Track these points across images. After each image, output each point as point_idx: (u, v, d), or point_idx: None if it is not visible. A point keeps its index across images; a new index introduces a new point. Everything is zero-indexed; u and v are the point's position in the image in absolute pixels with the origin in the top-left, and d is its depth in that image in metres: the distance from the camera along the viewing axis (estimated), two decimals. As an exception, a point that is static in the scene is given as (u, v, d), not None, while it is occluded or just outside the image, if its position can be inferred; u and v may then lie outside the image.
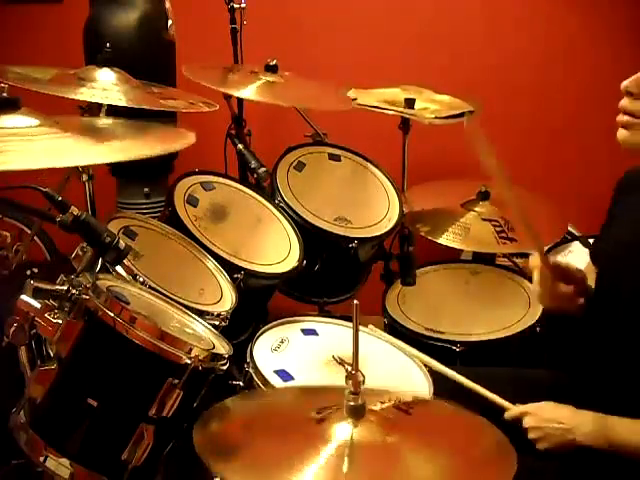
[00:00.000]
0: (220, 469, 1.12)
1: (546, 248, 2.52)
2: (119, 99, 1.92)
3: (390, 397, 1.30)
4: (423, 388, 1.77)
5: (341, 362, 1.18)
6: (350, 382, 1.18)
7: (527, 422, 1.53)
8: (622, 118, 1.48)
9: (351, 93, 2.60)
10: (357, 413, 1.18)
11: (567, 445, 1.48)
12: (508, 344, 2.20)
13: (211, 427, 1.25)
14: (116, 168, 2.71)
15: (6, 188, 1.62)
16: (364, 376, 1.18)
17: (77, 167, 2.05)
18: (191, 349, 1.39)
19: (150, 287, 1.69)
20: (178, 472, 1.51)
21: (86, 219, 1.35)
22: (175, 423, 1.40)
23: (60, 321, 1.37)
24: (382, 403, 1.28)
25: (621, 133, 1.49)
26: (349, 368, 1.17)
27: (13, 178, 1.50)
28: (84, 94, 1.90)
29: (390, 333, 2.16)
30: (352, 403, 1.18)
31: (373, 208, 2.39)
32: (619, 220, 1.65)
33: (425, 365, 1.87)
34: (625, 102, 1.47)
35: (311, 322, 2.04)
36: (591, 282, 1.73)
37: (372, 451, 1.16)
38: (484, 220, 2.44)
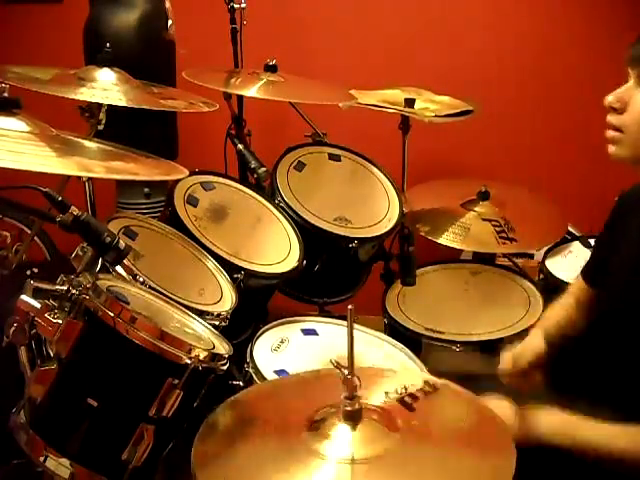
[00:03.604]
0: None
1: (546, 248, 2.53)
2: (119, 99, 1.93)
3: (397, 387, 1.29)
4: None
5: (338, 366, 1.17)
6: (346, 387, 1.17)
7: None
8: (609, 134, 1.49)
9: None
10: (354, 418, 1.17)
11: (523, 437, 1.41)
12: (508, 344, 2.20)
13: (207, 440, 1.23)
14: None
15: (6, 188, 1.62)
16: (360, 380, 1.18)
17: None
18: (191, 349, 1.39)
19: (150, 287, 1.69)
20: (178, 472, 1.51)
21: (86, 219, 1.35)
22: (175, 423, 1.40)
23: (60, 321, 1.37)
24: (387, 395, 1.27)
25: (610, 148, 1.50)
26: (345, 372, 1.17)
27: (13, 178, 1.50)
28: (84, 94, 1.90)
29: (390, 333, 2.17)
30: (348, 408, 1.17)
31: (373, 208, 2.39)
32: (624, 242, 1.62)
33: (425, 365, 1.87)
34: (610, 118, 1.48)
35: (311, 322, 2.04)
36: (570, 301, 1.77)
37: (372, 457, 1.14)
38: (484, 220, 2.44)
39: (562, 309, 1.79)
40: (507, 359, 1.72)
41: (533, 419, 1.45)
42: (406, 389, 1.29)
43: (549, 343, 1.71)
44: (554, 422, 1.44)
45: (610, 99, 1.47)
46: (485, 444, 1.19)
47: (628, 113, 1.45)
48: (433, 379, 1.34)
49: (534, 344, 1.73)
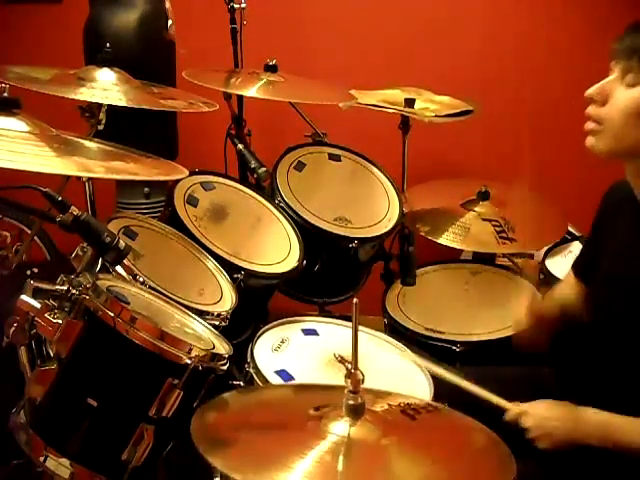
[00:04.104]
0: (214, 460, 1.11)
1: (546, 248, 2.53)
2: (119, 99, 1.93)
3: (401, 401, 1.30)
4: (424, 389, 1.77)
5: (341, 360, 1.18)
6: (349, 381, 1.17)
7: (525, 421, 1.51)
8: (588, 125, 1.51)
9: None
10: (356, 412, 1.18)
11: (568, 443, 1.46)
12: (508, 344, 2.20)
13: (208, 419, 1.24)
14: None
15: (6, 188, 1.62)
16: (363, 375, 1.18)
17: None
18: (191, 349, 1.39)
19: (150, 287, 1.69)
20: (178, 472, 1.51)
21: (86, 219, 1.35)
22: (175, 423, 1.40)
23: (60, 321, 1.37)
24: (390, 406, 1.27)
25: (589, 140, 1.52)
26: (349, 366, 1.17)
27: (13, 178, 1.50)
28: (84, 94, 1.90)
29: (390, 333, 2.16)
30: (351, 402, 1.18)
31: (373, 208, 2.39)
32: (609, 243, 1.64)
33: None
34: (590, 109, 1.50)
35: (312, 322, 2.04)
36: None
37: (367, 451, 1.15)
38: (484, 220, 2.44)
39: (565, 290, 1.83)
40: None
41: (574, 424, 1.47)
42: (409, 405, 1.30)
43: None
44: (592, 425, 1.46)
45: (591, 91, 1.50)
46: (485, 463, 1.19)
47: (609, 105, 1.47)
48: (436, 404, 1.36)
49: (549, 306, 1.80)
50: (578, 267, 1.81)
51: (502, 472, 1.14)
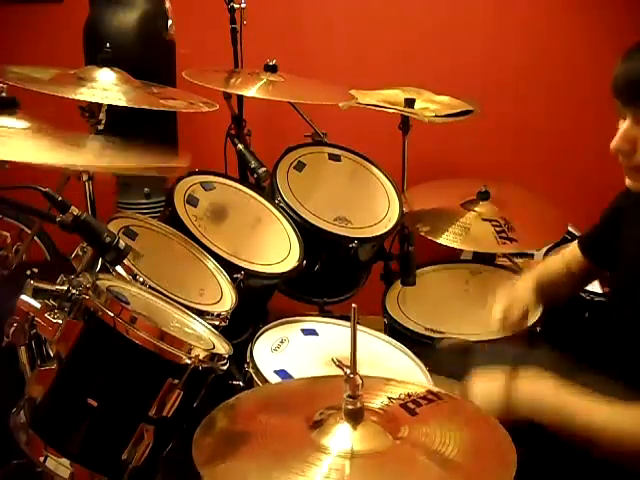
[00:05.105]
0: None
1: (546, 248, 2.53)
2: (119, 99, 1.92)
3: (401, 394, 1.29)
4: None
5: (340, 365, 1.17)
6: (348, 386, 1.17)
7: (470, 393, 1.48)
8: (629, 178, 1.48)
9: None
10: (356, 417, 1.17)
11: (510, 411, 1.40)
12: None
13: (209, 435, 1.22)
14: (116, 168, 2.72)
15: (6, 188, 1.62)
16: (362, 379, 1.18)
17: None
18: (191, 349, 1.39)
19: (150, 287, 1.69)
20: (178, 472, 1.51)
21: (86, 219, 1.35)
22: (175, 423, 1.40)
23: (60, 321, 1.37)
24: (390, 399, 1.27)
25: (628, 183, 1.50)
26: (347, 371, 1.16)
27: (13, 178, 1.50)
28: (84, 94, 1.90)
29: (390, 333, 2.16)
30: (350, 407, 1.17)
31: (373, 208, 2.39)
32: (629, 243, 1.62)
33: (426, 365, 1.87)
34: (624, 162, 1.47)
35: (311, 322, 2.04)
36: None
37: (372, 455, 1.14)
38: (484, 220, 2.44)
39: (555, 270, 1.83)
40: (498, 311, 1.77)
41: (524, 393, 1.42)
42: (409, 396, 1.29)
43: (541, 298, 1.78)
44: (548, 398, 1.40)
45: (616, 145, 1.44)
46: (485, 453, 1.19)
47: None
48: (437, 389, 1.35)
49: (524, 299, 1.77)
50: (591, 247, 1.79)
51: (503, 466, 1.13)
